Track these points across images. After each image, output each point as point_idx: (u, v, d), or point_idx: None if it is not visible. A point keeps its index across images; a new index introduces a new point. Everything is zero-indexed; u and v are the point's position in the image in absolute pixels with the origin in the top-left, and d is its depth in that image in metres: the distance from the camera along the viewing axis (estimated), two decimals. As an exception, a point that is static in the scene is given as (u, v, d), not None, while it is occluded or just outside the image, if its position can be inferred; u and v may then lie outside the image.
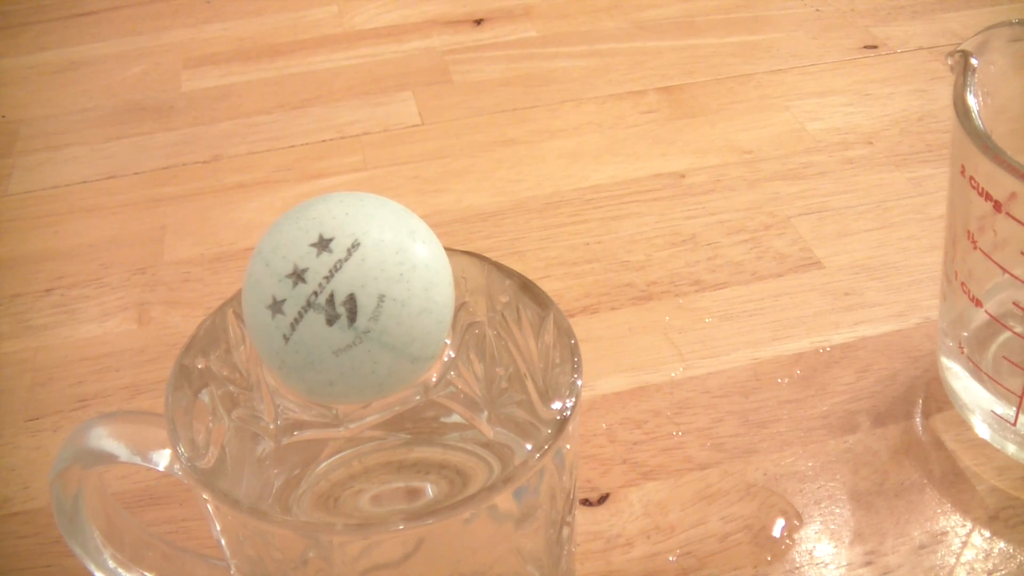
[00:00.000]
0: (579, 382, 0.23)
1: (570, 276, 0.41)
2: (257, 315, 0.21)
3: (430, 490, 0.24)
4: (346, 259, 0.21)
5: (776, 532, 0.31)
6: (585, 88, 0.53)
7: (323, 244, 0.21)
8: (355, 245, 0.21)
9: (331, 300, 0.21)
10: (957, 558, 0.30)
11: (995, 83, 0.31)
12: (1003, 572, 0.30)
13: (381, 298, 0.21)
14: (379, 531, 0.21)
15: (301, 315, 0.21)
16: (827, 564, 0.30)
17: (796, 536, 0.31)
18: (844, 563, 0.30)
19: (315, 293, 0.21)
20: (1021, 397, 0.31)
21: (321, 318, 0.21)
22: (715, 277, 0.41)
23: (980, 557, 0.30)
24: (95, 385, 0.38)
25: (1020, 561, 0.30)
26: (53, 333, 0.40)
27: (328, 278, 0.21)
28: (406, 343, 0.21)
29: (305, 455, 0.24)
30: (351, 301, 0.21)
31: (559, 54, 0.56)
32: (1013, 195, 0.28)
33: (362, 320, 0.21)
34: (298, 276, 0.21)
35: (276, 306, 0.21)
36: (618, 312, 0.39)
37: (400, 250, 0.21)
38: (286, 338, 0.21)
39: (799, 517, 0.32)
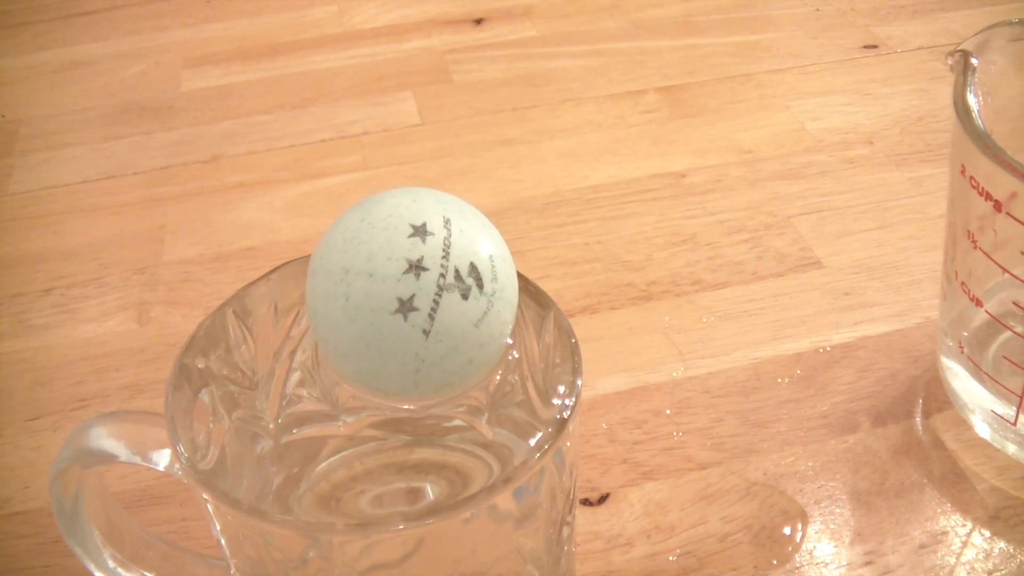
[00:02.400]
0: (579, 382, 0.23)
1: (570, 276, 0.41)
2: (385, 326, 0.21)
3: (430, 491, 0.24)
4: (449, 235, 0.21)
5: (776, 532, 0.31)
6: (585, 88, 0.53)
7: (421, 231, 0.21)
8: (447, 221, 0.22)
9: (458, 275, 0.21)
10: (957, 558, 0.30)
11: (995, 83, 0.31)
12: (1003, 572, 0.30)
13: (491, 258, 0.22)
14: (379, 531, 0.21)
15: (437, 301, 0.21)
16: (827, 564, 0.30)
17: (796, 536, 0.31)
18: (844, 563, 0.30)
19: (442, 275, 0.21)
20: (1021, 397, 0.31)
21: (456, 296, 0.21)
22: (715, 277, 0.41)
23: (980, 557, 0.30)
24: (95, 385, 0.38)
25: (1020, 561, 0.30)
26: (53, 333, 0.40)
27: (446, 257, 0.21)
28: (513, 293, 0.22)
29: (305, 455, 0.24)
30: (474, 269, 0.21)
31: (559, 54, 0.56)
32: (1013, 195, 0.28)
33: (487, 283, 0.22)
34: (417, 267, 0.21)
35: (406, 306, 0.21)
36: (618, 312, 0.39)
37: (475, 214, 0.22)
38: (426, 332, 0.21)
39: (799, 517, 0.32)
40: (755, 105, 0.51)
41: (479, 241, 0.22)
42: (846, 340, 0.37)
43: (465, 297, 0.21)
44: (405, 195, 0.22)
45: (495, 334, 0.22)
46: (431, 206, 0.22)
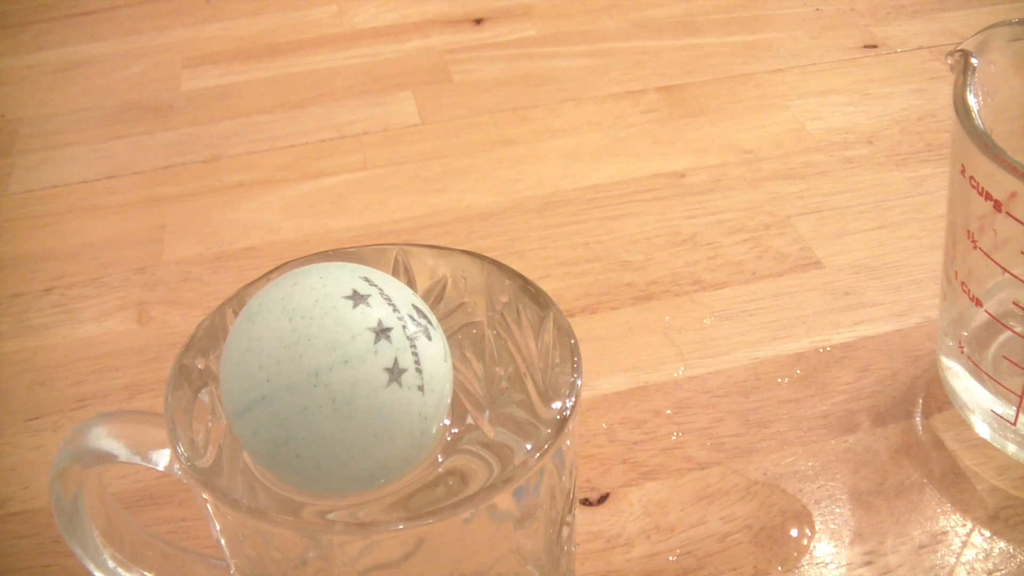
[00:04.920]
0: (579, 382, 0.23)
1: (570, 276, 0.41)
2: (385, 404, 0.20)
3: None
4: (381, 290, 0.21)
5: (776, 532, 0.31)
6: (585, 88, 0.53)
7: (358, 298, 0.20)
8: (367, 279, 0.21)
9: (413, 319, 0.21)
10: (957, 558, 0.30)
11: (995, 83, 0.31)
12: (1003, 572, 0.30)
13: (413, 294, 0.22)
14: (379, 531, 0.21)
15: (415, 352, 0.20)
16: (827, 564, 0.30)
17: (796, 536, 0.31)
18: (844, 563, 0.30)
19: (403, 327, 0.20)
20: (1021, 397, 0.31)
21: (424, 339, 0.21)
22: (715, 277, 0.41)
23: (980, 557, 0.30)
24: (95, 385, 0.38)
25: (1020, 561, 0.30)
26: (53, 333, 0.40)
27: (396, 309, 0.21)
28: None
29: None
30: (416, 309, 0.21)
31: (559, 54, 0.56)
32: (1013, 195, 0.28)
33: (429, 315, 0.21)
34: (382, 331, 0.20)
35: (395, 372, 0.20)
36: (618, 312, 0.39)
37: (369, 267, 0.22)
38: (421, 388, 0.20)
39: (799, 517, 0.32)
40: (755, 105, 0.51)
41: (398, 285, 0.21)
42: (846, 340, 0.37)
43: (429, 337, 0.21)
44: (307, 276, 0.21)
45: (450, 371, 0.22)
46: (341, 274, 0.21)
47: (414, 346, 0.20)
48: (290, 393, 0.20)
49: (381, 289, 0.21)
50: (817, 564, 0.30)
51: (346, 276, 0.21)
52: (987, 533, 0.31)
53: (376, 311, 0.20)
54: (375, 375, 0.20)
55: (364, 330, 0.20)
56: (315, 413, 0.20)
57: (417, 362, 0.20)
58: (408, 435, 0.20)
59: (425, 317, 0.21)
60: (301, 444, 0.20)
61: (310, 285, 0.21)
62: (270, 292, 0.21)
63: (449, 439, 0.23)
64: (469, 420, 0.24)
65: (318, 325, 0.20)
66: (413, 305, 0.21)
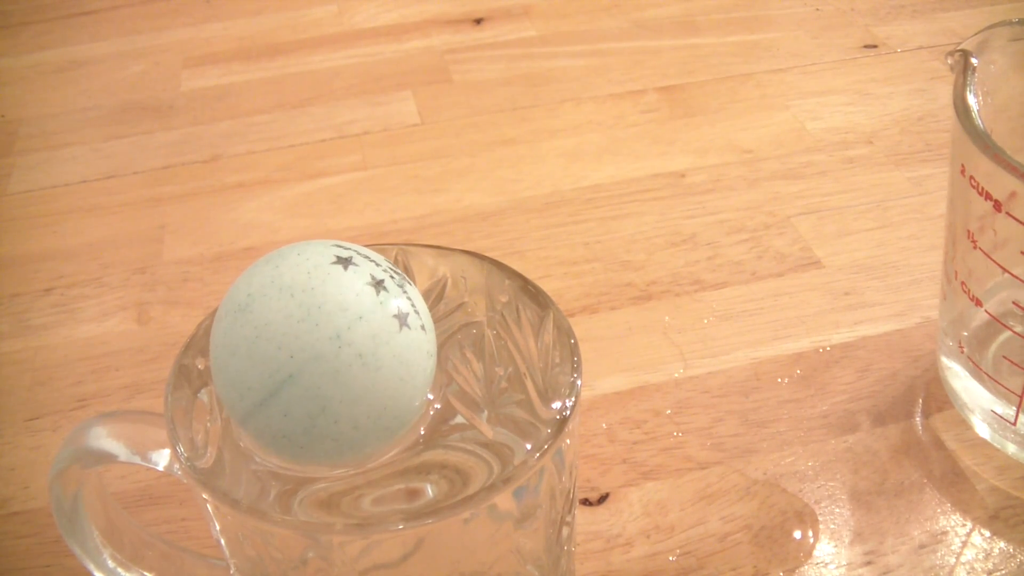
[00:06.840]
0: (579, 382, 0.23)
1: (570, 276, 0.41)
2: (401, 347, 0.21)
3: (430, 490, 0.24)
4: (357, 252, 0.22)
5: (776, 532, 0.31)
6: (585, 88, 0.53)
7: (345, 262, 0.21)
8: (339, 245, 0.22)
9: (394, 272, 0.22)
10: (957, 558, 0.30)
11: (995, 83, 0.31)
12: (1003, 572, 0.30)
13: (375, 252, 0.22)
14: (379, 531, 0.21)
15: (409, 297, 0.21)
16: (827, 564, 0.30)
17: (796, 536, 0.31)
18: (844, 563, 0.30)
19: (391, 277, 0.21)
20: (1021, 397, 0.31)
21: (408, 285, 0.22)
22: (715, 277, 0.41)
23: (980, 557, 0.30)
24: (95, 385, 0.38)
25: (1020, 561, 0.30)
26: (53, 333, 0.40)
27: (378, 264, 0.21)
28: None
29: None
30: (390, 263, 0.22)
31: (559, 54, 0.56)
32: (1013, 194, 0.28)
33: (398, 270, 0.22)
34: (378, 284, 0.21)
35: (401, 317, 0.21)
36: (618, 312, 0.39)
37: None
38: (424, 328, 0.21)
39: (799, 517, 0.32)
40: (755, 105, 0.51)
41: (364, 248, 0.22)
42: (846, 340, 0.37)
43: (411, 284, 0.22)
44: (284, 257, 0.21)
45: None
46: (316, 247, 0.22)
47: (405, 291, 0.21)
48: (318, 362, 0.20)
49: (356, 251, 0.22)
50: (817, 564, 0.30)
51: (321, 247, 0.22)
52: (987, 533, 0.31)
53: (364, 268, 0.21)
54: (387, 323, 0.20)
55: (364, 286, 0.21)
56: (346, 373, 0.20)
57: (413, 305, 0.21)
58: (422, 373, 0.21)
59: (398, 270, 0.22)
60: (338, 408, 0.20)
61: (293, 263, 0.21)
62: (252, 282, 0.21)
63: (432, 413, 0.24)
64: (459, 419, 0.24)
65: (321, 293, 0.20)
66: (385, 259, 0.22)
